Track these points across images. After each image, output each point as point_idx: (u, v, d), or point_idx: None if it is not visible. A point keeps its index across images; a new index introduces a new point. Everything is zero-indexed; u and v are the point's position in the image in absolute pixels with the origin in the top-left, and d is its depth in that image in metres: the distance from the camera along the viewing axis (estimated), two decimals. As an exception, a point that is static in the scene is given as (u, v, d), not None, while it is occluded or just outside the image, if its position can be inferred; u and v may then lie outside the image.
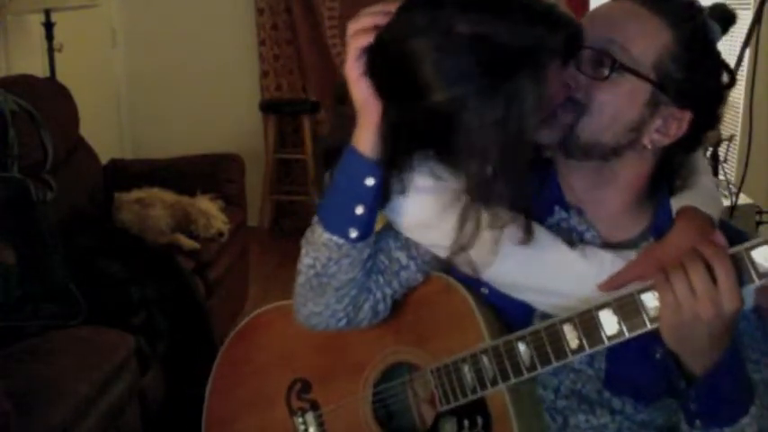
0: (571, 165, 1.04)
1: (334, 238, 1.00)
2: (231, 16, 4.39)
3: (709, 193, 1.07)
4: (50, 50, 3.31)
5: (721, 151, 2.58)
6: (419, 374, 1.12)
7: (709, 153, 2.47)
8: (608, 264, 1.00)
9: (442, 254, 1.02)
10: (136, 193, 2.91)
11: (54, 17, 3.29)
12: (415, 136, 0.94)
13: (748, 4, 3.20)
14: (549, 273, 1.02)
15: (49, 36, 3.30)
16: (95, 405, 1.99)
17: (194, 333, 2.57)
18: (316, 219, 1.03)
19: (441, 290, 1.08)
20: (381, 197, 1.00)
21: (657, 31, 0.97)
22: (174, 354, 2.44)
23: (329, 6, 4.29)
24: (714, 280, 0.87)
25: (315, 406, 1.19)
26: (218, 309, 2.83)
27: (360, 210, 0.99)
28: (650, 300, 0.92)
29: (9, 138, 2.43)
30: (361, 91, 0.93)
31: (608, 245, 1.04)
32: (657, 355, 1.00)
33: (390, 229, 1.08)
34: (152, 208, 2.83)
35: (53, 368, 1.97)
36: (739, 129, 3.40)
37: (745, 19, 2.62)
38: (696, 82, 0.98)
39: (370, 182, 0.97)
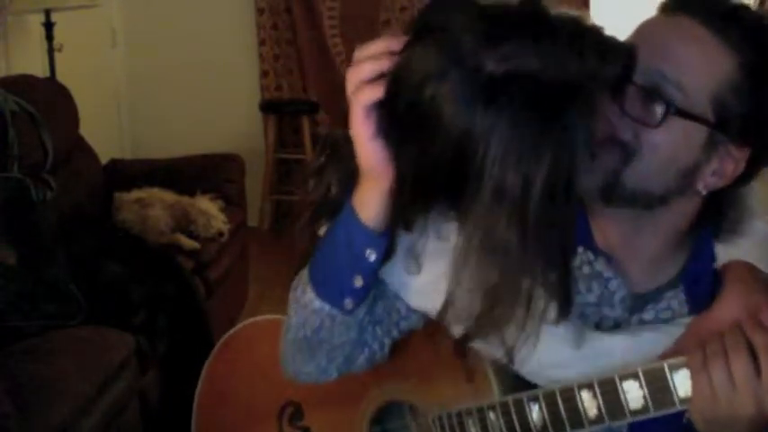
0: (606, 209, 0.90)
1: (327, 307, 0.88)
2: (231, 16, 4.38)
3: (763, 240, 0.92)
4: (50, 50, 3.31)
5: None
6: (420, 422, 1.06)
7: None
8: (646, 344, 0.87)
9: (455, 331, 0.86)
10: (136, 193, 2.91)
11: (54, 17, 3.29)
12: (436, 200, 0.78)
13: (748, 4, 3.20)
14: (588, 363, 0.88)
15: (49, 36, 3.30)
16: (95, 405, 1.99)
17: (194, 333, 2.57)
18: (306, 278, 0.90)
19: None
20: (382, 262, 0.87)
21: (718, 57, 0.82)
22: (174, 354, 2.44)
23: (329, 6, 4.29)
24: (759, 371, 0.75)
25: None
26: (218, 309, 2.83)
27: (359, 282, 0.86)
28: (683, 377, 0.80)
29: (9, 138, 2.42)
30: (373, 155, 0.77)
31: (635, 295, 0.94)
32: (684, 420, 0.86)
33: None
34: (152, 208, 2.83)
35: (53, 368, 1.96)
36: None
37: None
38: (760, 115, 0.84)
39: (372, 256, 0.84)
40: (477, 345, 0.85)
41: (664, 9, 0.88)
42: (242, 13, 4.37)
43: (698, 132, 0.83)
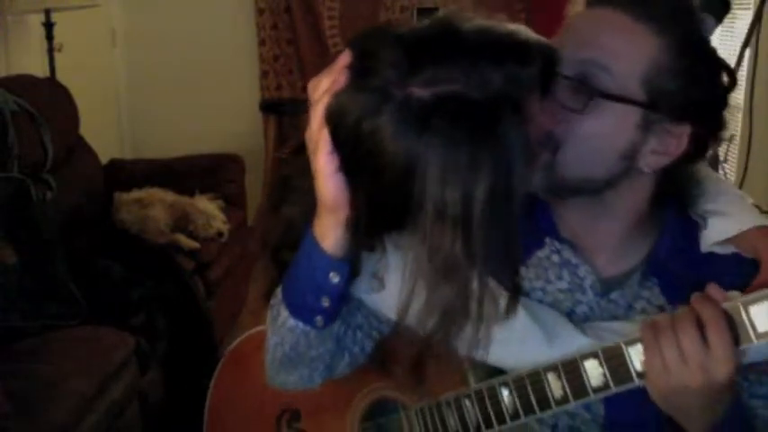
0: (562, 200, 0.94)
1: (300, 324, 0.91)
2: (231, 16, 4.38)
3: (745, 204, 0.94)
4: (50, 50, 3.31)
5: (721, 151, 2.57)
6: (405, 414, 1.09)
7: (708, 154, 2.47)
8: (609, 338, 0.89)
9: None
10: (136, 193, 2.91)
11: (54, 17, 3.28)
12: (391, 223, 0.81)
13: (748, 4, 3.20)
14: (550, 352, 0.91)
15: (49, 36, 3.30)
16: (95, 405, 1.99)
17: (194, 333, 2.57)
18: (280, 298, 0.93)
19: None
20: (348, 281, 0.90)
21: (643, 41, 0.86)
22: (174, 354, 2.44)
23: (329, 6, 4.29)
24: (706, 342, 0.78)
25: None
26: (218, 309, 2.83)
27: (326, 303, 0.89)
28: (637, 354, 0.84)
29: (9, 138, 2.43)
30: (333, 189, 0.79)
31: (602, 281, 0.96)
32: None
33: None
34: (151, 208, 2.83)
35: (53, 368, 1.97)
36: (739, 129, 3.39)
37: (744, 19, 2.63)
38: (692, 91, 0.86)
39: (336, 278, 0.86)
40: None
41: (589, 4, 0.91)
42: (242, 13, 4.37)
43: (631, 114, 0.86)
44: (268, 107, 4.34)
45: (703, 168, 0.98)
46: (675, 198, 0.95)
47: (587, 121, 0.85)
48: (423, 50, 0.73)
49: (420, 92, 0.71)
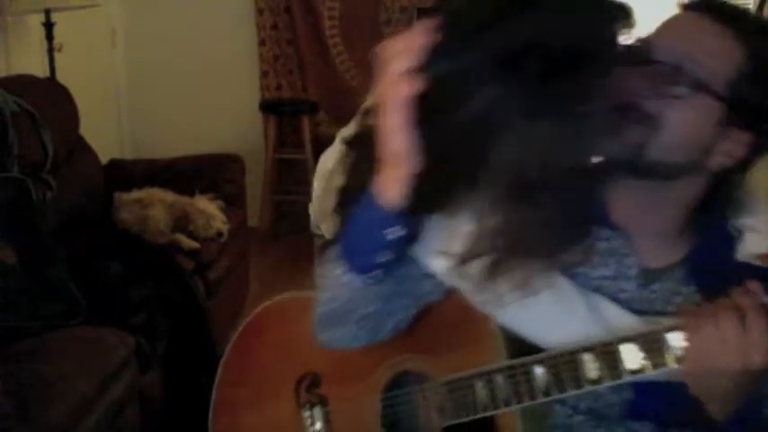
0: (621, 183, 0.98)
1: (356, 279, 0.95)
2: (231, 16, 4.38)
3: None
4: (50, 50, 3.31)
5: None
6: (430, 385, 1.11)
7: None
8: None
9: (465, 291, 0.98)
10: (136, 193, 2.91)
11: (54, 17, 3.28)
12: (461, 183, 0.82)
13: (748, 4, 3.20)
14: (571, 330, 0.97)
15: (49, 36, 3.30)
16: (95, 405, 1.99)
17: (194, 333, 2.57)
18: (336, 252, 0.96)
19: (463, 304, 1.04)
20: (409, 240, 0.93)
21: (733, 48, 0.93)
22: (174, 354, 2.44)
23: (329, 6, 4.29)
24: (745, 327, 0.84)
25: (324, 401, 1.19)
26: (218, 309, 2.83)
27: (383, 257, 0.92)
28: (676, 339, 0.89)
29: (9, 138, 2.43)
30: (402, 143, 0.81)
31: (645, 271, 1.02)
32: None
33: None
34: (152, 208, 2.83)
35: (53, 368, 1.97)
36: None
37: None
38: (763, 103, 0.93)
39: (397, 233, 0.89)
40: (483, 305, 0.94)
41: (686, 7, 0.98)
42: (242, 13, 4.37)
43: (714, 112, 0.92)
44: (268, 107, 4.34)
45: (753, 179, 1.04)
46: (720, 203, 1.01)
47: (679, 107, 0.91)
48: (508, 5, 0.74)
49: (503, 43, 0.73)
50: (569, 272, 1.00)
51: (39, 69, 3.28)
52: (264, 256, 3.76)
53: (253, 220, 4.10)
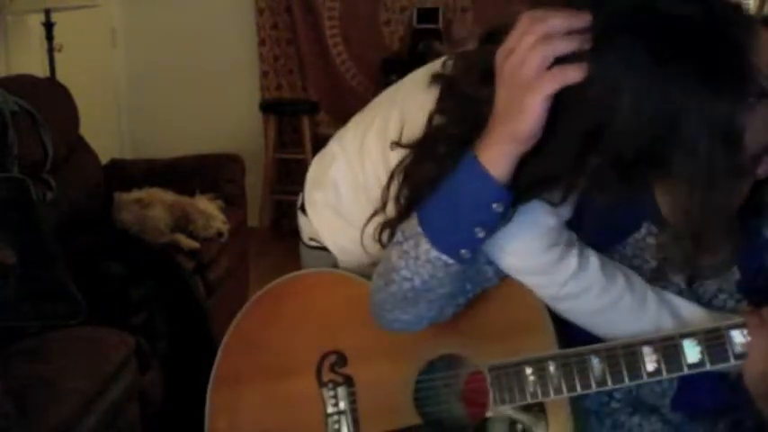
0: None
1: (444, 257, 0.93)
2: (231, 16, 4.38)
3: None
4: (50, 50, 3.31)
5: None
6: (467, 369, 1.11)
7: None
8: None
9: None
10: (136, 193, 2.91)
11: (54, 17, 3.29)
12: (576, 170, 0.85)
13: (748, 4, 3.20)
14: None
15: (49, 36, 3.30)
16: (95, 405, 1.99)
17: (194, 333, 2.57)
18: (418, 230, 0.94)
19: (514, 291, 1.05)
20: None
21: None
22: (174, 354, 2.44)
23: (329, 6, 4.29)
24: None
25: (349, 382, 1.15)
26: (218, 309, 2.83)
27: (481, 234, 0.91)
28: (738, 336, 0.93)
29: (9, 138, 2.43)
30: (537, 121, 0.81)
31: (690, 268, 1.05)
32: (730, 379, 1.00)
33: None
34: (151, 208, 2.83)
35: (53, 368, 1.96)
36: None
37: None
38: None
39: (499, 208, 0.88)
40: None
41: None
42: (242, 13, 4.37)
43: (763, 124, 0.92)
44: (268, 107, 4.34)
45: None
46: (762, 209, 1.04)
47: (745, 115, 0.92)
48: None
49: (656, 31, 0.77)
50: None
51: (39, 69, 3.28)
52: (264, 256, 3.76)
53: (253, 220, 4.10)
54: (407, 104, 1.10)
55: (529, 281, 1.01)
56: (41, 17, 3.27)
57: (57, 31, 3.32)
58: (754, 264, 1.05)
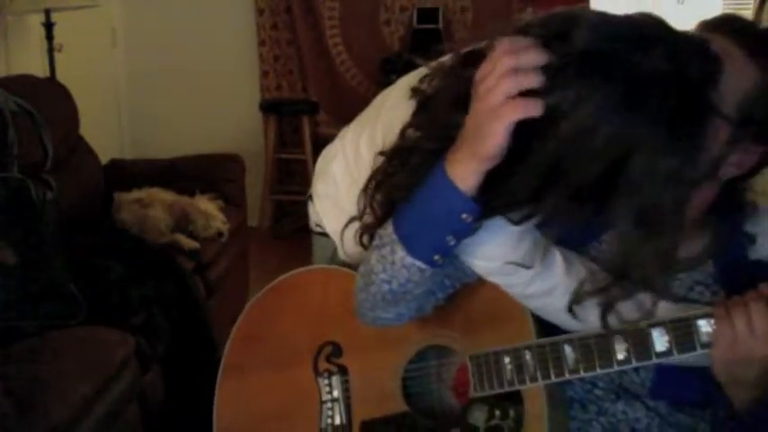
0: None
1: (418, 263, 0.98)
2: (231, 16, 4.39)
3: None
4: (50, 50, 3.31)
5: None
6: (455, 359, 1.15)
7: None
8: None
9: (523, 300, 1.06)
10: (136, 194, 2.91)
11: (54, 17, 3.29)
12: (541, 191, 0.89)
13: (748, 4, 3.20)
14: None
15: (49, 36, 3.30)
16: (95, 405, 1.99)
17: (194, 333, 2.57)
18: (394, 237, 0.99)
19: (495, 286, 1.09)
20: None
21: (748, 74, 0.99)
22: (174, 354, 2.44)
23: (329, 6, 4.29)
24: None
25: (343, 371, 1.22)
26: (218, 309, 2.83)
27: (452, 242, 0.96)
28: (705, 326, 0.96)
29: (9, 138, 2.42)
30: (500, 144, 0.86)
31: None
32: (707, 371, 1.02)
33: None
34: (151, 208, 2.83)
35: (53, 368, 1.96)
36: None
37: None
38: None
39: (468, 218, 0.93)
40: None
41: (703, 27, 1.04)
42: (242, 13, 4.37)
43: (723, 131, 0.96)
44: (268, 107, 4.34)
45: (762, 185, 1.12)
46: (732, 206, 1.09)
47: None
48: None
49: (652, 64, 0.81)
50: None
51: (39, 69, 3.28)
52: (264, 256, 3.76)
53: (253, 220, 4.10)
54: (391, 115, 1.16)
55: (496, 280, 1.06)
56: (41, 17, 3.27)
57: (57, 31, 3.32)
58: (732, 257, 1.07)
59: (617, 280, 0.91)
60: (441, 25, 4.12)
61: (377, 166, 1.05)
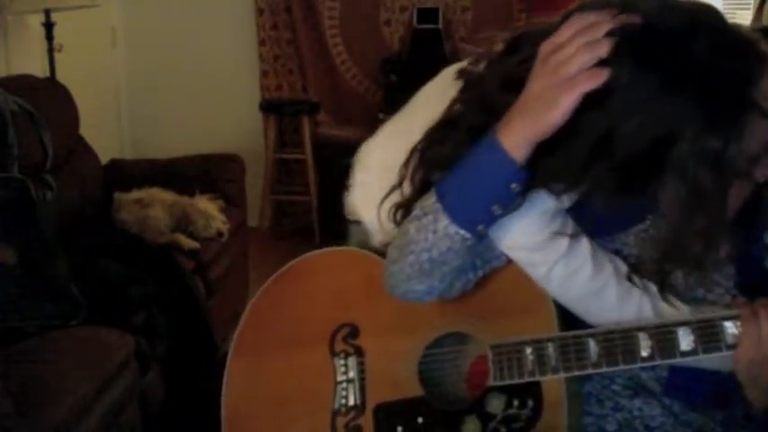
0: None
1: (462, 232, 0.99)
2: (231, 16, 4.39)
3: None
4: (50, 50, 3.31)
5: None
6: (474, 347, 1.15)
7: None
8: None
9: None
10: (135, 194, 2.91)
11: (54, 17, 3.29)
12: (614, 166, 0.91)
13: (748, 4, 3.20)
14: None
15: (49, 36, 3.30)
16: (95, 405, 1.99)
17: (194, 333, 2.57)
18: (437, 206, 1.00)
19: (520, 275, 1.09)
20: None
21: None
22: (174, 354, 2.44)
23: (329, 6, 4.29)
24: None
25: (359, 352, 1.21)
26: (218, 309, 2.83)
27: (498, 211, 0.97)
28: (731, 327, 0.97)
29: (9, 138, 2.43)
30: (564, 118, 0.89)
31: None
32: (722, 373, 1.04)
33: None
34: (151, 208, 2.83)
35: (53, 368, 1.97)
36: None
37: (745, 20, 2.63)
38: None
39: (516, 188, 0.95)
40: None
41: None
42: (242, 13, 4.37)
43: (763, 129, 0.95)
44: (268, 107, 4.34)
45: None
46: (759, 212, 1.09)
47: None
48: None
49: (702, 50, 0.84)
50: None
51: (39, 69, 3.28)
52: (264, 256, 3.76)
53: (253, 220, 4.10)
54: (429, 102, 1.17)
55: (521, 256, 1.06)
56: (41, 17, 3.27)
57: (57, 31, 3.32)
58: (752, 263, 1.08)
59: (664, 261, 0.94)
60: (441, 25, 4.11)
61: (419, 140, 1.07)
